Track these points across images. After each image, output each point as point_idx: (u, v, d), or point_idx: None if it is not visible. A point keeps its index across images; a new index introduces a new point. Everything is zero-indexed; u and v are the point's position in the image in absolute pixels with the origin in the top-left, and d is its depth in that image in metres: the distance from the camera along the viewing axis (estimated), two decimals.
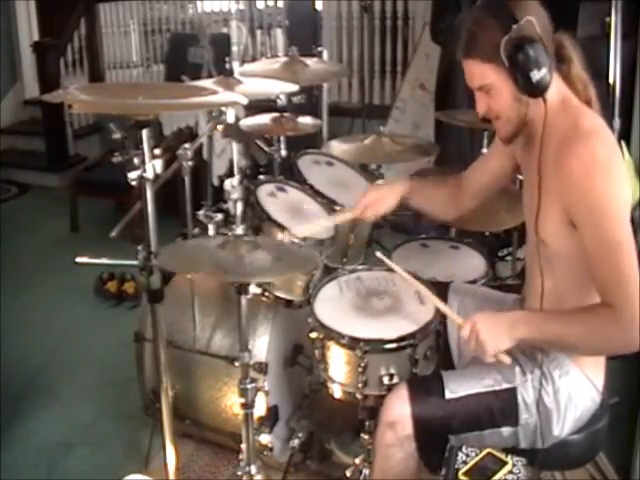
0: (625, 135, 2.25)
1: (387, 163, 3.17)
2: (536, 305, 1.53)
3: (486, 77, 1.47)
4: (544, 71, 1.39)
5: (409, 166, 3.04)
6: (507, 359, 1.47)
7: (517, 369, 1.56)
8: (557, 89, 1.47)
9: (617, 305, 1.36)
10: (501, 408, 1.54)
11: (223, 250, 1.62)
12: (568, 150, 1.40)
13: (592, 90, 1.50)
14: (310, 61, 2.62)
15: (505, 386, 1.55)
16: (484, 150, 2.67)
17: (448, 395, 1.55)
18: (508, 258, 3.02)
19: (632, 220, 1.57)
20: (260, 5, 5.48)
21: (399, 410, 1.55)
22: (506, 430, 1.55)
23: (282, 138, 2.61)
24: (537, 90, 1.41)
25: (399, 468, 1.58)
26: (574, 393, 1.53)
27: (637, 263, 1.36)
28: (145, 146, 1.56)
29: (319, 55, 3.04)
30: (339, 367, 1.77)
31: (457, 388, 1.56)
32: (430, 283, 1.82)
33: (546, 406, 1.53)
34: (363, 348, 1.69)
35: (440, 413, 1.55)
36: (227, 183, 1.91)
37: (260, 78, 2.39)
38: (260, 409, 2.02)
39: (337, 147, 2.45)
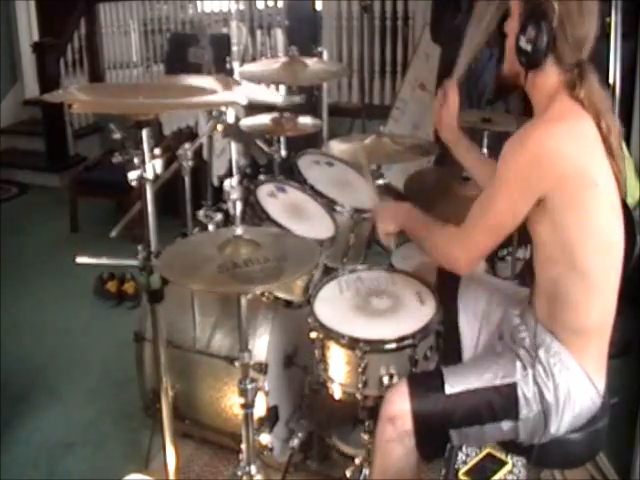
0: (625, 135, 2.24)
1: (387, 163, 3.17)
2: (539, 299, 1.58)
3: (514, 9, 1.54)
4: (529, 47, 1.46)
5: (409, 166, 3.04)
6: (392, 244, 1.89)
7: (518, 364, 1.56)
8: (554, 86, 1.51)
9: (462, 229, 1.58)
10: (501, 403, 1.55)
11: (223, 254, 1.61)
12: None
13: (607, 120, 1.50)
14: (310, 61, 2.62)
15: (505, 381, 1.55)
16: (484, 150, 2.67)
17: (448, 390, 1.55)
18: (508, 258, 3.02)
19: (632, 220, 1.57)
20: (260, 5, 5.47)
21: (399, 405, 1.56)
22: (506, 424, 1.55)
23: (282, 138, 2.61)
24: (519, 56, 1.50)
25: (399, 464, 1.59)
26: (573, 390, 1.54)
27: (505, 227, 1.52)
28: (145, 146, 1.56)
29: (319, 55, 3.04)
30: (339, 367, 1.77)
31: (457, 383, 1.57)
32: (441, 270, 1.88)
33: (546, 400, 1.53)
34: (363, 348, 1.69)
35: (440, 408, 1.56)
36: (226, 183, 1.91)
37: (258, 82, 2.39)
38: (260, 409, 2.02)
39: (337, 147, 2.44)
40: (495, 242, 1.56)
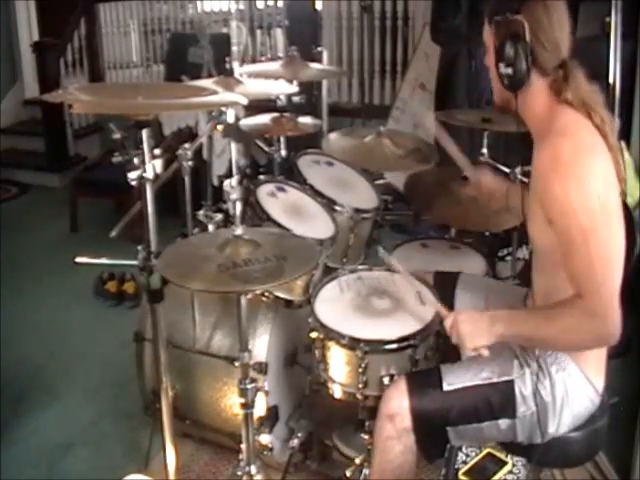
0: (625, 135, 2.24)
1: (387, 170, 3.18)
2: (538, 301, 1.57)
3: (486, 37, 1.54)
4: (509, 70, 1.45)
5: None
6: (486, 353, 1.50)
7: (515, 362, 1.58)
8: (546, 99, 1.50)
9: (587, 295, 1.38)
10: (498, 400, 1.55)
11: (223, 254, 1.61)
12: (538, 149, 1.47)
13: (600, 115, 1.48)
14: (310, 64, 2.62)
15: (502, 378, 1.56)
16: (484, 150, 2.67)
17: (446, 387, 1.56)
18: (508, 258, 3.02)
19: (632, 220, 1.57)
20: (260, 5, 5.47)
21: (398, 403, 1.57)
22: (504, 422, 1.56)
23: (282, 138, 2.61)
24: (503, 81, 1.49)
25: (398, 461, 1.59)
26: (571, 389, 1.54)
27: (615, 255, 1.39)
28: (145, 146, 1.56)
29: (318, 58, 3.04)
30: (339, 367, 1.77)
31: (455, 380, 1.58)
32: (438, 273, 1.83)
33: (543, 399, 1.54)
34: (363, 348, 1.69)
35: (438, 405, 1.57)
36: (226, 183, 1.91)
37: (260, 78, 2.39)
38: (260, 409, 2.02)
39: (336, 141, 2.43)
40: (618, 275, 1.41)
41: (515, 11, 1.43)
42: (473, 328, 1.51)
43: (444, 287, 1.87)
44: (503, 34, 1.45)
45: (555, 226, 1.43)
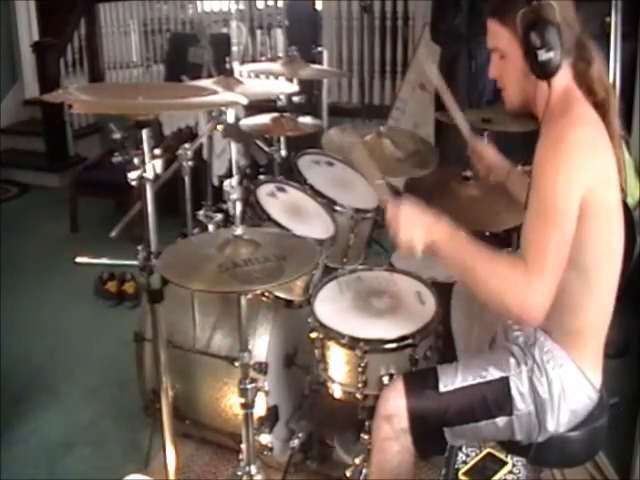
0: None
1: (387, 175, 3.16)
2: None
3: (501, 41, 1.53)
4: (551, 54, 1.43)
5: None
6: (418, 254, 1.49)
7: (512, 360, 1.57)
8: (565, 81, 1.50)
9: (532, 269, 1.37)
10: (495, 398, 1.55)
11: (223, 254, 1.61)
12: (546, 132, 1.45)
13: (612, 96, 1.51)
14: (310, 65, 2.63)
15: (498, 376, 1.56)
16: None
17: (442, 388, 1.56)
18: None
19: (632, 220, 1.57)
20: (260, 5, 5.48)
21: (395, 403, 1.57)
22: (501, 420, 1.56)
23: (282, 138, 2.61)
24: (542, 70, 1.45)
25: (396, 461, 1.59)
26: (567, 386, 1.54)
27: (565, 249, 1.38)
28: (145, 146, 1.56)
29: (318, 58, 3.04)
30: (339, 367, 1.77)
31: (451, 381, 1.57)
32: (430, 283, 1.82)
33: (540, 396, 1.54)
34: (363, 348, 1.69)
35: (435, 406, 1.57)
36: (226, 183, 1.91)
37: (260, 75, 2.39)
38: (260, 409, 2.02)
39: (336, 136, 2.43)
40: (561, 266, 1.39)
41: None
42: (413, 219, 1.49)
43: (440, 297, 1.86)
44: (532, 21, 1.43)
45: (532, 193, 1.42)
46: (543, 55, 1.43)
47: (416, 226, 1.50)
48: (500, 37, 1.53)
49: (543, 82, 1.47)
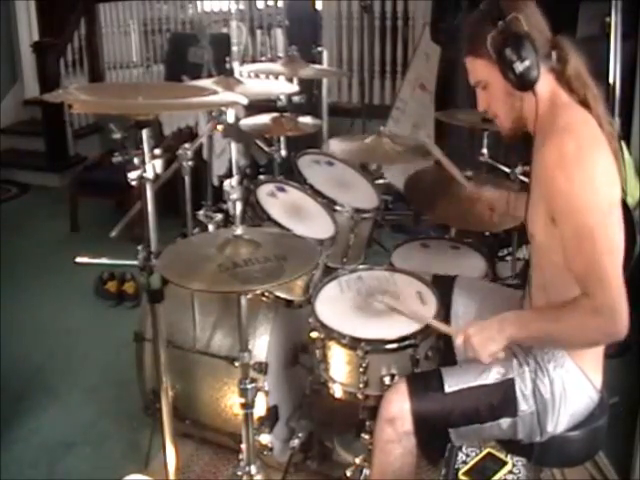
0: (625, 135, 2.24)
1: (387, 164, 3.18)
2: (535, 300, 1.57)
3: (480, 73, 1.56)
4: (527, 63, 1.44)
5: (409, 166, 3.04)
6: (502, 355, 1.51)
7: (514, 361, 1.58)
8: (549, 87, 1.51)
9: (594, 294, 1.37)
10: (499, 399, 1.56)
11: (223, 254, 1.61)
12: (543, 146, 1.46)
13: (593, 90, 1.52)
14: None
15: (503, 378, 1.57)
16: (484, 150, 2.67)
17: (447, 389, 1.56)
18: (508, 258, 3.02)
19: (632, 220, 1.57)
20: (260, 5, 5.48)
21: (398, 406, 1.56)
22: (505, 422, 1.56)
23: (282, 138, 2.61)
24: (522, 81, 1.47)
25: (398, 463, 1.59)
26: (569, 386, 1.54)
27: (620, 250, 1.40)
28: (145, 146, 1.56)
29: (318, 58, 3.04)
30: (340, 367, 1.77)
31: (456, 382, 1.57)
32: (435, 276, 1.82)
33: (543, 397, 1.54)
34: (364, 348, 1.69)
35: (439, 407, 1.57)
36: (226, 183, 1.91)
37: (260, 74, 2.39)
38: (260, 409, 2.02)
39: (337, 146, 2.44)
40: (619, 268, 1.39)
41: (498, 18, 1.45)
42: (484, 337, 1.50)
43: (441, 290, 1.86)
44: (502, 41, 1.45)
45: (560, 224, 1.43)
46: (519, 67, 1.45)
47: (489, 341, 1.50)
48: (478, 69, 1.55)
49: (529, 95, 1.48)
